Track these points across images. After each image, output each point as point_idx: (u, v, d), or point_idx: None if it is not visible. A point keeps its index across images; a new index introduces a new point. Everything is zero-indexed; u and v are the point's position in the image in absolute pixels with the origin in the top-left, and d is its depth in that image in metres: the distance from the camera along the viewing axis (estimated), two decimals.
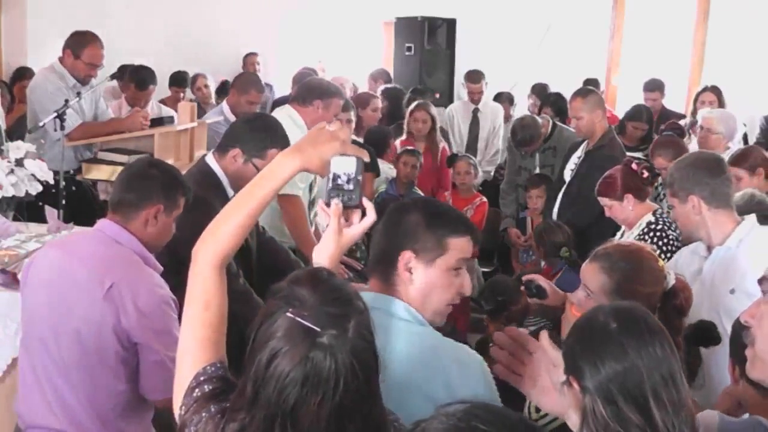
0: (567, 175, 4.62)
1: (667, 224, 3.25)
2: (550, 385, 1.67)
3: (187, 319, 1.56)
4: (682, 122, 5.80)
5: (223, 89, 6.69)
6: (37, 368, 2.33)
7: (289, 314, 1.29)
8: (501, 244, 5.75)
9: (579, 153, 4.60)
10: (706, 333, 2.18)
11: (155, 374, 2.29)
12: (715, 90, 5.75)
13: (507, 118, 6.97)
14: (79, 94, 4.48)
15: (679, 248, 3.10)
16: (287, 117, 3.78)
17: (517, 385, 1.73)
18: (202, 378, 1.46)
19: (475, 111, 6.85)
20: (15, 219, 3.59)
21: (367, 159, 1.64)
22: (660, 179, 3.83)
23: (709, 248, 2.74)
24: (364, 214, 1.65)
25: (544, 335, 1.71)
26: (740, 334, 1.81)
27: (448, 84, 7.90)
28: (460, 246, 1.78)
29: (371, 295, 1.77)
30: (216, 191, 2.91)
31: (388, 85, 6.86)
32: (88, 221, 2.50)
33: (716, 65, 7.36)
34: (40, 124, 4.32)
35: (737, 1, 7.33)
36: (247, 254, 3.10)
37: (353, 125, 4.63)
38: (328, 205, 1.62)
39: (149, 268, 2.39)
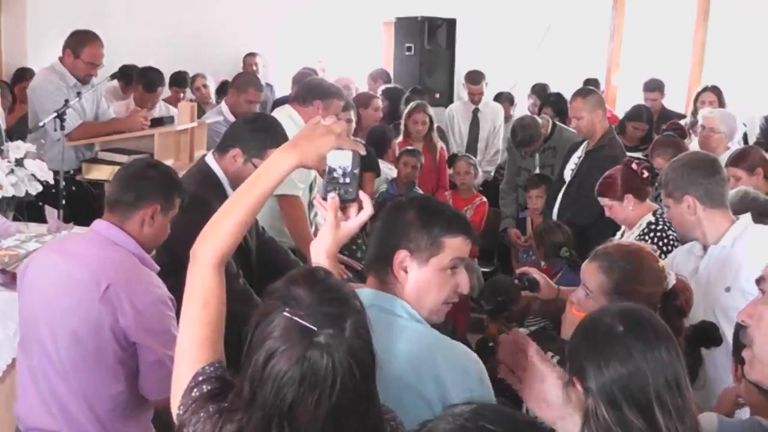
0: (567, 175, 4.62)
1: (668, 224, 3.25)
2: (541, 395, 1.67)
3: (185, 318, 1.56)
4: (682, 122, 5.80)
5: (223, 89, 6.68)
6: (35, 370, 2.33)
7: (286, 314, 1.28)
8: (501, 244, 5.76)
9: (579, 153, 4.60)
10: (708, 334, 2.18)
11: (154, 374, 2.29)
12: (716, 90, 5.75)
13: (507, 118, 6.97)
14: (79, 93, 4.48)
15: None
16: (287, 117, 3.78)
17: (516, 388, 1.73)
18: (200, 378, 1.46)
19: (475, 111, 6.85)
20: (15, 219, 3.59)
21: (363, 152, 1.64)
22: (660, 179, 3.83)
23: (705, 248, 2.75)
24: (361, 208, 1.65)
25: (532, 349, 1.70)
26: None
27: (448, 84, 7.90)
28: (455, 245, 1.77)
29: (372, 292, 1.77)
30: (216, 191, 2.91)
31: (389, 85, 6.86)
32: (88, 221, 2.49)
33: (716, 65, 7.36)
34: (41, 124, 4.32)
35: (737, 1, 7.34)
36: (246, 254, 3.10)
37: (353, 125, 4.63)
38: (325, 199, 1.62)
39: (146, 268, 2.39)
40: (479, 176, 5.98)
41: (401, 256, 1.76)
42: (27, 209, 3.74)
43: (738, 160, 3.82)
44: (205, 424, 1.39)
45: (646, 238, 3.23)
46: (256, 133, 2.99)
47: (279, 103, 5.66)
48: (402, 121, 5.78)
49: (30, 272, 2.42)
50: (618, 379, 1.49)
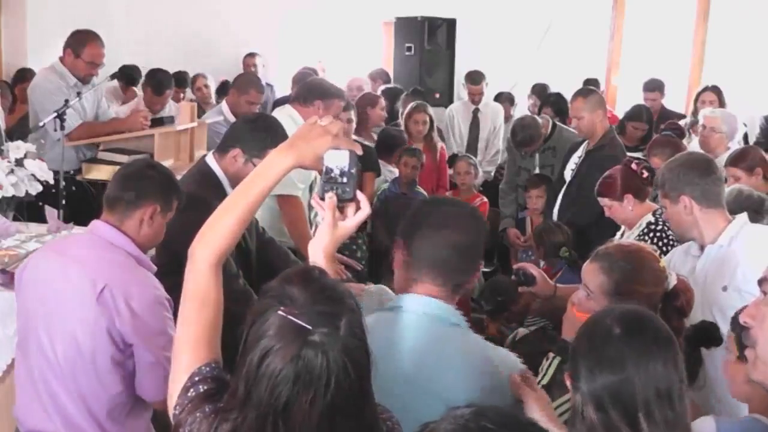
0: (567, 175, 4.62)
1: (668, 224, 3.25)
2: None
3: (182, 317, 1.56)
4: (682, 122, 5.81)
5: (223, 89, 6.69)
6: (33, 372, 2.32)
7: (280, 312, 1.29)
8: (500, 245, 5.75)
9: (579, 153, 4.60)
10: (708, 333, 2.18)
11: (151, 375, 2.28)
12: (716, 90, 5.76)
13: (507, 118, 6.97)
14: (79, 93, 4.48)
15: None
16: (288, 117, 3.78)
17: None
18: (197, 378, 1.46)
19: (476, 111, 6.85)
20: (15, 219, 3.59)
21: (359, 152, 1.64)
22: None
23: (702, 248, 2.76)
24: (359, 207, 1.66)
25: (520, 376, 1.81)
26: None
27: (448, 84, 7.90)
28: None
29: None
30: (215, 191, 2.91)
31: (389, 85, 6.86)
32: (88, 221, 2.49)
33: (716, 65, 7.36)
34: (41, 124, 4.32)
35: (737, 1, 7.34)
36: (246, 255, 3.10)
37: (353, 125, 4.63)
38: (322, 198, 1.62)
39: (143, 268, 2.38)
40: (479, 176, 5.98)
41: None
42: (27, 209, 3.75)
43: (737, 160, 3.82)
44: (201, 424, 1.39)
45: (646, 238, 3.23)
46: (257, 133, 2.98)
47: (279, 103, 5.66)
48: (401, 122, 5.78)
49: (27, 273, 2.42)
50: (608, 385, 1.51)
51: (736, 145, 4.71)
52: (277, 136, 2.96)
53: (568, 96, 5.18)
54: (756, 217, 2.87)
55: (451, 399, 1.58)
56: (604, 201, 3.44)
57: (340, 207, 1.64)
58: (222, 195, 2.84)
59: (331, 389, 1.26)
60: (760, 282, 1.63)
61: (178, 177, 2.73)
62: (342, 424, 1.29)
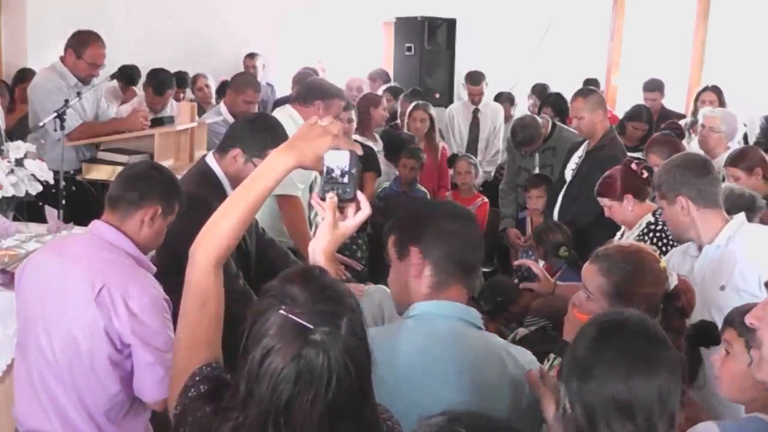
0: (568, 176, 4.62)
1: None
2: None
3: (183, 318, 1.56)
4: (682, 122, 5.80)
5: (222, 89, 6.68)
6: (32, 372, 2.32)
7: (281, 312, 1.29)
8: (500, 245, 5.75)
9: (580, 153, 4.61)
10: (708, 333, 2.18)
11: (148, 376, 2.27)
12: (716, 90, 5.76)
13: (507, 118, 6.97)
14: (79, 93, 4.48)
15: None
16: (288, 117, 3.77)
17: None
18: (197, 378, 1.46)
19: (476, 111, 6.85)
20: (15, 219, 3.58)
21: (360, 152, 1.64)
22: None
23: (700, 248, 2.76)
24: (359, 208, 1.66)
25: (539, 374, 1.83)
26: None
27: (448, 84, 7.90)
28: None
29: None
30: (216, 191, 2.91)
31: (390, 85, 6.86)
32: (88, 221, 2.49)
33: (716, 65, 7.36)
34: (41, 124, 4.32)
35: (737, 1, 7.34)
36: (246, 257, 3.10)
37: (354, 125, 4.63)
38: (323, 199, 1.62)
39: (142, 269, 2.38)
40: (480, 176, 5.98)
41: None
42: (27, 209, 3.75)
43: (737, 160, 3.82)
44: (201, 424, 1.39)
45: (646, 238, 3.23)
46: (257, 133, 2.98)
47: (279, 103, 5.67)
48: (401, 121, 5.78)
49: (26, 273, 2.41)
50: (575, 390, 1.53)
51: (735, 145, 4.70)
52: (277, 135, 2.96)
53: (568, 96, 5.18)
54: (748, 215, 2.88)
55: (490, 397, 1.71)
56: (604, 201, 3.44)
57: (341, 207, 1.64)
58: (222, 195, 2.85)
59: (332, 388, 1.26)
60: (767, 284, 1.64)
61: (178, 177, 2.73)
62: (342, 423, 1.29)
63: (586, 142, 4.58)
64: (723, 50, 7.33)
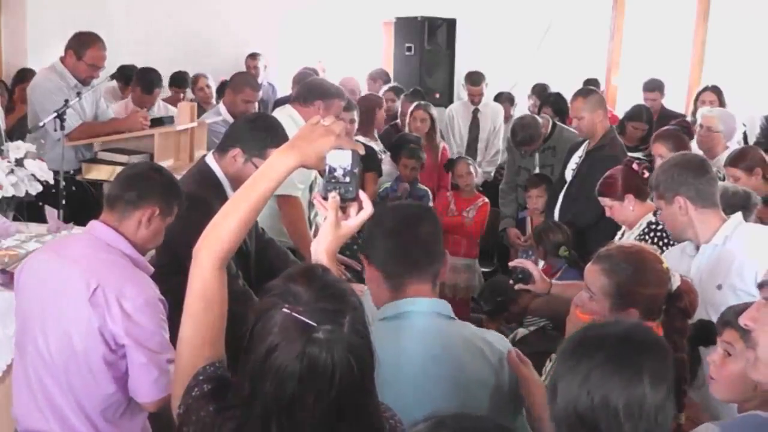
0: (568, 176, 4.62)
1: None
2: None
3: (186, 318, 1.56)
4: None
5: (222, 89, 6.68)
6: (29, 371, 2.32)
7: (285, 310, 1.29)
8: (501, 245, 5.76)
9: (580, 153, 4.61)
10: (707, 332, 2.18)
11: (143, 377, 2.26)
12: (716, 90, 5.77)
13: (507, 118, 6.97)
14: (79, 94, 4.48)
15: None
16: (288, 117, 3.77)
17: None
18: (201, 377, 1.47)
19: (475, 111, 6.86)
20: (15, 219, 3.58)
21: (362, 152, 1.64)
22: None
23: (698, 247, 2.78)
24: (361, 207, 1.66)
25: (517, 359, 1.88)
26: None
27: (448, 84, 7.89)
28: None
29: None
30: (216, 191, 2.91)
31: (392, 85, 6.86)
32: (88, 221, 2.49)
33: (716, 65, 7.36)
34: (40, 124, 4.32)
35: (737, 1, 7.34)
36: (246, 257, 3.10)
37: (356, 125, 4.63)
38: (325, 198, 1.63)
39: (138, 269, 2.38)
40: (479, 176, 5.98)
41: None
42: (27, 209, 3.75)
43: (736, 160, 3.82)
44: (205, 423, 1.39)
45: (647, 238, 3.23)
46: (257, 132, 2.98)
47: (279, 103, 5.66)
48: (401, 120, 5.78)
49: (25, 273, 2.42)
50: (551, 388, 1.54)
51: (735, 145, 4.71)
52: (277, 135, 2.96)
53: (568, 96, 5.18)
54: (744, 213, 2.89)
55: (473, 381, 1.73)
56: (604, 201, 3.44)
57: (343, 207, 1.64)
58: (222, 195, 2.85)
59: (335, 386, 1.27)
60: (761, 286, 1.64)
61: (178, 177, 2.73)
62: (346, 421, 1.29)
63: (587, 142, 4.58)
64: (723, 50, 7.33)
